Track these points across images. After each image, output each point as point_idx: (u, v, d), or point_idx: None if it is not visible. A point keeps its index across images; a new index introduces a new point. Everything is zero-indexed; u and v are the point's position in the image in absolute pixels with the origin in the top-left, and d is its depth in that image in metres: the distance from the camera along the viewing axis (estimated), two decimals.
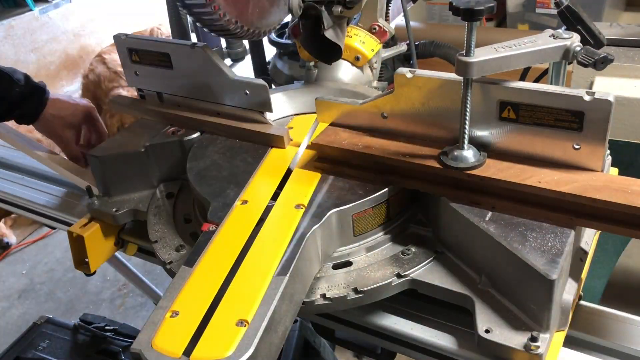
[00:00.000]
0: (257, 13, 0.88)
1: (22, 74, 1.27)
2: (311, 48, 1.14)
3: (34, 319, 1.71)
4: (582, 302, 0.92)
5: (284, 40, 1.46)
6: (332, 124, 1.01)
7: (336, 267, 0.88)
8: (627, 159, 1.31)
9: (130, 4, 4.35)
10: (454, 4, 0.76)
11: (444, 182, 0.88)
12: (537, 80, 1.31)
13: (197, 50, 1.09)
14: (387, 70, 1.43)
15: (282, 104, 1.19)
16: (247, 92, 1.05)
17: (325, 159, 0.97)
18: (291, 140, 1.05)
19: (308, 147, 0.99)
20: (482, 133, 0.88)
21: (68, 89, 4.01)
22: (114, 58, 3.31)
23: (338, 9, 1.08)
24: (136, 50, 1.17)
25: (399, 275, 0.85)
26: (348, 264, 0.89)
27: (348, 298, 0.83)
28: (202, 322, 0.71)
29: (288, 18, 1.19)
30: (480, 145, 0.88)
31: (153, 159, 1.12)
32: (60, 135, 1.31)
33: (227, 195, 0.93)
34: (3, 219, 3.16)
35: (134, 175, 1.13)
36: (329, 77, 1.24)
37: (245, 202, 0.90)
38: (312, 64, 1.22)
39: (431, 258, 0.88)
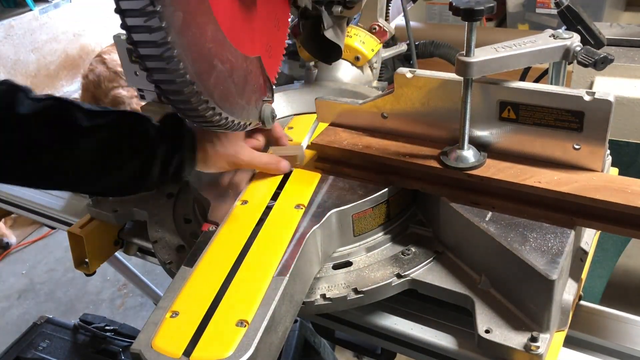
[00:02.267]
0: (219, 90, 0.75)
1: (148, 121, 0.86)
2: (311, 48, 1.14)
3: (34, 319, 1.70)
4: (582, 302, 0.92)
5: None
6: (332, 124, 1.01)
7: (336, 267, 0.88)
8: (627, 159, 1.31)
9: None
10: (454, 4, 0.76)
11: (444, 182, 0.88)
12: (537, 80, 1.31)
13: None
14: (387, 70, 1.43)
15: (282, 104, 1.19)
16: None
17: (325, 159, 0.97)
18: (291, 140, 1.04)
19: (308, 147, 0.99)
20: (482, 133, 0.88)
21: (68, 89, 4.01)
22: (114, 58, 3.30)
23: (338, 8, 1.08)
24: None
25: (399, 276, 0.85)
26: (348, 264, 0.89)
27: (348, 298, 0.83)
28: (202, 322, 0.71)
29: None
30: (480, 146, 0.88)
31: None
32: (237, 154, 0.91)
33: (227, 195, 0.93)
34: (3, 219, 3.16)
35: None
36: (329, 77, 1.24)
37: (245, 202, 0.90)
38: (312, 64, 1.22)
39: (431, 258, 0.88)
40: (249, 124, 0.84)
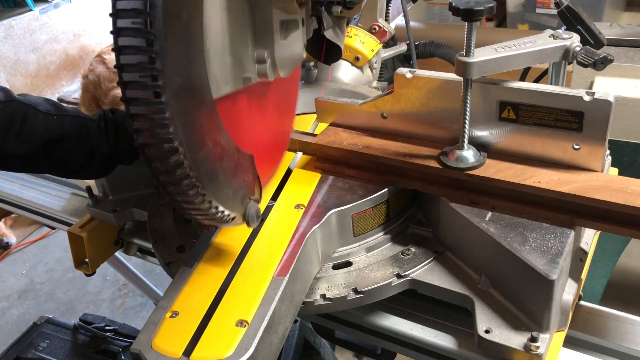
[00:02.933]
0: (206, 168, 0.68)
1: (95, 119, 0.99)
2: (311, 48, 1.14)
3: (34, 319, 1.70)
4: (582, 302, 0.92)
5: None
6: (332, 124, 1.01)
7: (336, 267, 0.88)
8: (627, 159, 1.31)
9: None
10: (454, 4, 0.76)
11: (443, 182, 0.88)
12: (537, 80, 1.31)
13: None
14: (387, 70, 1.43)
15: None
16: None
17: (325, 159, 0.97)
18: None
19: (308, 148, 0.99)
20: (482, 133, 0.88)
21: (68, 89, 4.01)
22: (114, 58, 3.30)
23: (338, 9, 1.07)
24: None
25: (398, 276, 0.85)
26: (348, 264, 0.89)
27: (348, 298, 0.83)
28: (202, 322, 0.71)
29: None
30: (480, 146, 0.88)
31: None
32: None
33: None
34: (3, 219, 3.16)
35: (134, 175, 1.13)
36: (329, 77, 1.24)
37: None
38: (312, 64, 1.22)
39: (431, 258, 0.88)
40: (232, 218, 0.74)
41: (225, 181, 0.72)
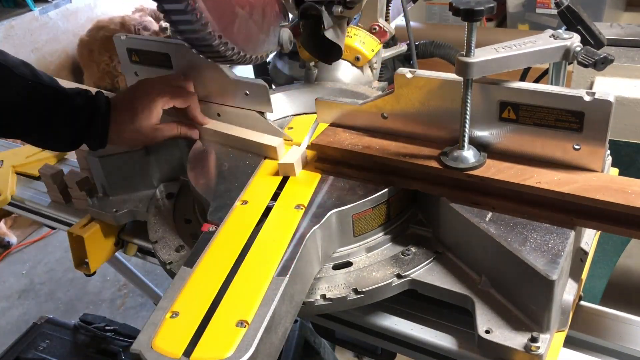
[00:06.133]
0: (243, 35, 0.89)
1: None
2: (311, 48, 1.14)
3: (34, 319, 1.71)
4: (582, 303, 0.92)
5: None
6: (332, 125, 1.01)
7: (336, 267, 0.88)
8: (627, 159, 1.31)
9: (130, 5, 4.36)
10: (454, 4, 0.76)
11: (444, 182, 0.88)
12: (537, 81, 1.31)
13: None
14: (387, 71, 1.43)
15: (282, 104, 1.19)
16: (247, 92, 1.05)
17: (325, 160, 0.97)
18: (291, 140, 1.04)
19: (308, 148, 0.99)
20: (482, 133, 0.88)
21: None
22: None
23: (338, 9, 1.08)
24: (136, 51, 1.17)
25: (399, 276, 0.85)
26: (348, 264, 0.89)
27: (348, 299, 0.83)
28: (202, 322, 0.71)
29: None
30: (480, 146, 0.88)
31: (153, 159, 1.13)
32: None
33: (227, 195, 0.93)
34: (3, 219, 3.16)
35: (134, 175, 1.13)
36: (329, 77, 1.24)
37: (245, 202, 0.90)
38: (312, 64, 1.22)
39: (431, 258, 0.88)
40: (269, 53, 0.95)
41: (259, 30, 0.92)
